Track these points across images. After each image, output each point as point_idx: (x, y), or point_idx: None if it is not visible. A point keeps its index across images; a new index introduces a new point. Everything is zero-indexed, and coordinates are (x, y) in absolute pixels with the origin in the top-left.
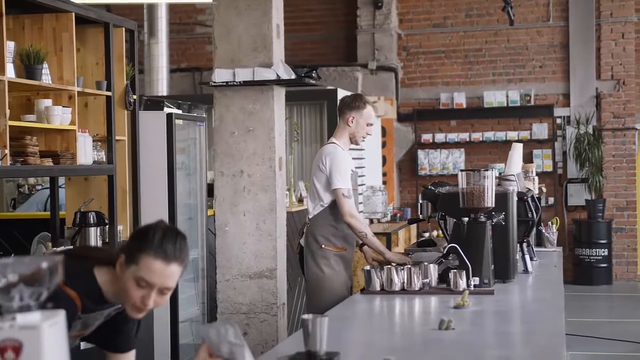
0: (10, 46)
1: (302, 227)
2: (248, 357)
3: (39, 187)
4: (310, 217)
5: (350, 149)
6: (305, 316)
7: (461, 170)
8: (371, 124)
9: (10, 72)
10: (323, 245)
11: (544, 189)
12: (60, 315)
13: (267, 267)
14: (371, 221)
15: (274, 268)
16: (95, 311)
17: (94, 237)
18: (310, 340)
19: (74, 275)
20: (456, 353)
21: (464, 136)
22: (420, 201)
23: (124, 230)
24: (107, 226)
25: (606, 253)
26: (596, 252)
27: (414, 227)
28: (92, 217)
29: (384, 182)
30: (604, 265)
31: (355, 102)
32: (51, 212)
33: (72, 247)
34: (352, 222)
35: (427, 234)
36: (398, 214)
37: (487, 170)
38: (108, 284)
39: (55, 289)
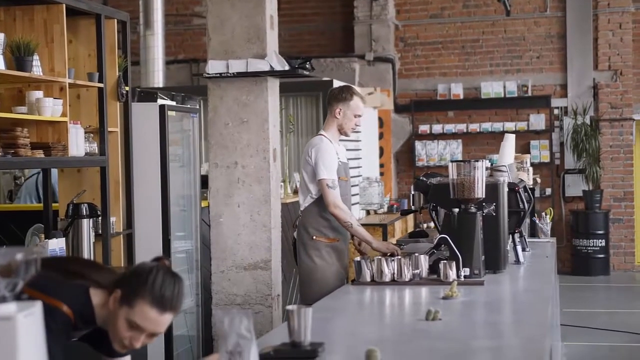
0: (0, 38)
1: (295, 220)
2: (253, 353)
3: None
4: (301, 209)
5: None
6: (290, 307)
7: (451, 161)
8: (359, 115)
9: (0, 64)
10: (314, 237)
11: (539, 180)
12: (37, 307)
13: (262, 259)
14: (367, 212)
15: (269, 259)
16: (83, 330)
17: (87, 228)
18: (294, 331)
19: (70, 294)
20: (441, 343)
21: (462, 127)
22: (412, 192)
23: (116, 222)
24: (99, 218)
25: (603, 244)
26: (593, 242)
27: (410, 218)
28: (84, 209)
29: (382, 174)
30: (602, 256)
31: (342, 93)
32: (44, 204)
33: (69, 257)
34: (336, 212)
35: (424, 225)
36: (395, 205)
37: (478, 161)
38: (101, 308)
39: (52, 307)
